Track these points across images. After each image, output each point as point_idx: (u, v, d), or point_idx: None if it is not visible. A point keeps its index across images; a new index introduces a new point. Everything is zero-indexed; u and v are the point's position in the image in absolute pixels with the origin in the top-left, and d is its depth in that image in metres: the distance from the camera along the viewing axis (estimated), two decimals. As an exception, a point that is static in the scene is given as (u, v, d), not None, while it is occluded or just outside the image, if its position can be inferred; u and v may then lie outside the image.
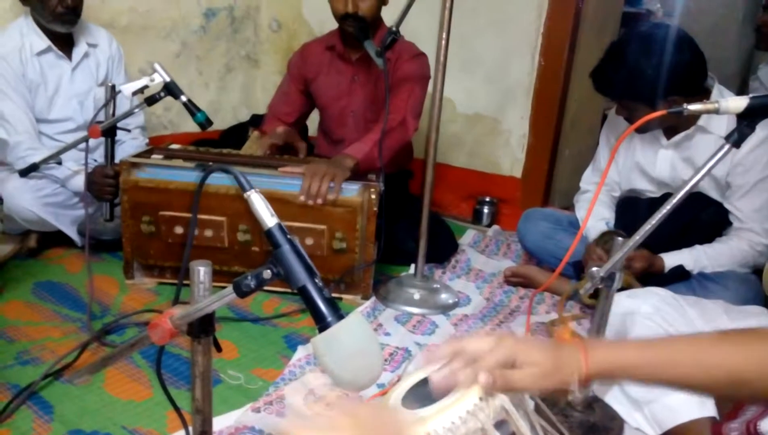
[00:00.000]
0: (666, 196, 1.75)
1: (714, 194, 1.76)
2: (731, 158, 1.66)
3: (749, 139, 1.11)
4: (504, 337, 0.73)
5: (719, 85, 1.71)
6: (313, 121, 2.49)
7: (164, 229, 1.90)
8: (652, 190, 1.90)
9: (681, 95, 1.60)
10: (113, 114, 2.04)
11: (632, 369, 0.72)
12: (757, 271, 1.77)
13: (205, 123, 2.00)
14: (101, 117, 2.02)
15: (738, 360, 0.70)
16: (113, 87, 2.02)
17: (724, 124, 1.68)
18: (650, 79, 1.60)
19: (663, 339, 0.76)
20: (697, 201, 1.72)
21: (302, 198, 1.82)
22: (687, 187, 1.13)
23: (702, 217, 1.71)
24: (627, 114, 1.73)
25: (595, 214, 1.94)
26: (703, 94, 1.69)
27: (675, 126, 1.77)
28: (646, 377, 0.73)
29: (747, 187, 1.68)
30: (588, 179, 2.12)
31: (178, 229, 1.89)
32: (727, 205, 1.75)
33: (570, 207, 2.28)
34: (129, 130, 2.28)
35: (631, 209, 1.91)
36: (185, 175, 1.87)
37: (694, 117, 1.71)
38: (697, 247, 1.74)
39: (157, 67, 1.92)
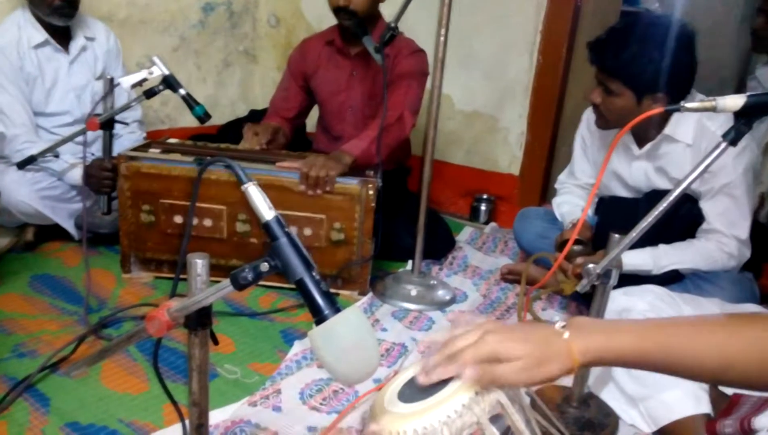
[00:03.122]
0: (650, 195, 1.74)
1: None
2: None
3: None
4: (489, 332, 0.71)
5: (696, 92, 1.67)
6: (312, 118, 2.49)
7: (163, 219, 1.90)
8: (631, 196, 1.88)
9: (668, 94, 1.59)
10: (112, 107, 2.03)
11: (625, 357, 0.71)
12: (751, 269, 1.77)
13: (204, 116, 1.99)
14: (99, 110, 2.02)
15: (726, 344, 0.70)
16: (112, 79, 2.01)
17: (690, 132, 1.66)
18: (651, 68, 1.57)
19: (655, 324, 0.75)
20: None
21: (302, 187, 1.83)
22: (680, 189, 1.13)
23: (680, 213, 1.68)
24: (601, 100, 1.68)
25: (569, 202, 1.99)
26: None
27: (644, 133, 1.75)
28: (638, 365, 0.72)
29: (712, 193, 1.66)
30: (563, 181, 2.10)
31: (178, 219, 1.90)
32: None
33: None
34: (127, 124, 2.28)
35: (615, 209, 1.88)
36: (186, 165, 1.88)
37: (661, 125, 1.70)
38: (661, 245, 1.69)
39: (156, 60, 1.91)
